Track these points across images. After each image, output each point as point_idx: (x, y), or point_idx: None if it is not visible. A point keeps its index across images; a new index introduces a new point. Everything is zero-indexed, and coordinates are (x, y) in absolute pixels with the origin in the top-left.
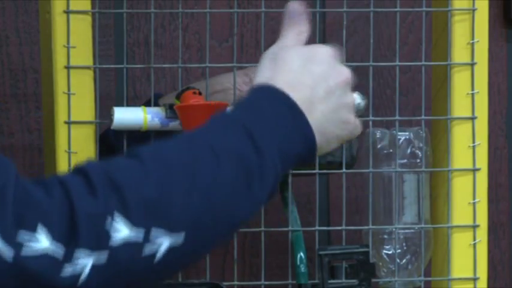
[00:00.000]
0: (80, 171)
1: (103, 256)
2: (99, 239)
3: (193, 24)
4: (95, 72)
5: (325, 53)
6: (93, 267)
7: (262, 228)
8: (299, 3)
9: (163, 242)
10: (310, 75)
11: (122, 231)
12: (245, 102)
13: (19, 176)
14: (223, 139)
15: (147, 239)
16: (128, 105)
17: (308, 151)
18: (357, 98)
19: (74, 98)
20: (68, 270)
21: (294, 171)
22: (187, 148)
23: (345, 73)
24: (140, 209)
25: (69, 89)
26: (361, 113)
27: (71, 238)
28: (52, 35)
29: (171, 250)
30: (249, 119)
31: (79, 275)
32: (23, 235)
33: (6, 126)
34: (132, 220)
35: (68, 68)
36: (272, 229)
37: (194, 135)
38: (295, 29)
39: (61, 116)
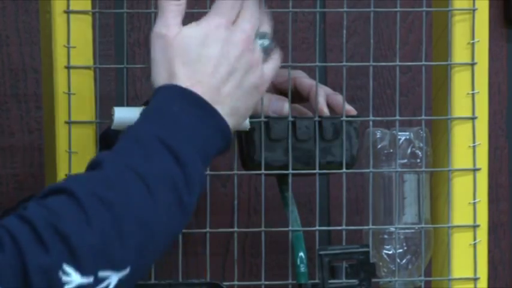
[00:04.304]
0: (25, 219)
1: None
2: None
3: None
4: (95, 72)
5: (216, 27)
6: None
7: (263, 228)
8: None
9: (112, 280)
10: (208, 60)
11: (73, 280)
12: (154, 110)
13: None
14: (148, 164)
15: (97, 281)
16: (128, 105)
17: (226, 142)
18: (259, 42)
19: (74, 98)
20: None
21: (294, 171)
22: (121, 181)
23: (242, 37)
24: (88, 257)
25: (69, 89)
26: (270, 51)
27: None
28: (52, 35)
29: (120, 282)
30: (163, 130)
31: None
32: None
33: (6, 126)
34: (82, 269)
35: (68, 68)
36: (272, 229)
37: (119, 164)
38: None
39: (61, 116)
